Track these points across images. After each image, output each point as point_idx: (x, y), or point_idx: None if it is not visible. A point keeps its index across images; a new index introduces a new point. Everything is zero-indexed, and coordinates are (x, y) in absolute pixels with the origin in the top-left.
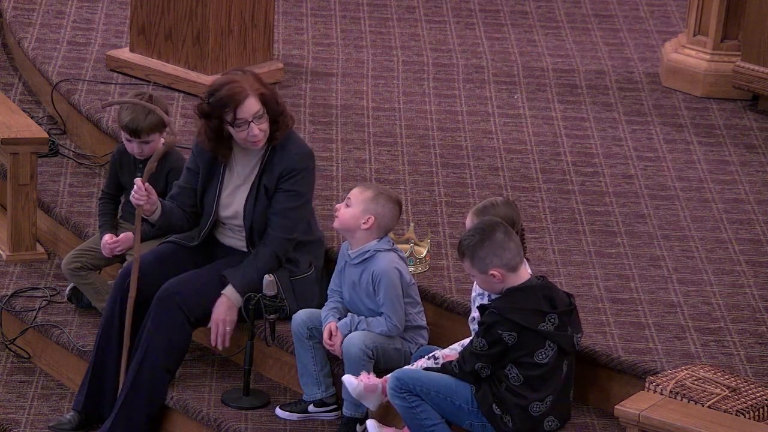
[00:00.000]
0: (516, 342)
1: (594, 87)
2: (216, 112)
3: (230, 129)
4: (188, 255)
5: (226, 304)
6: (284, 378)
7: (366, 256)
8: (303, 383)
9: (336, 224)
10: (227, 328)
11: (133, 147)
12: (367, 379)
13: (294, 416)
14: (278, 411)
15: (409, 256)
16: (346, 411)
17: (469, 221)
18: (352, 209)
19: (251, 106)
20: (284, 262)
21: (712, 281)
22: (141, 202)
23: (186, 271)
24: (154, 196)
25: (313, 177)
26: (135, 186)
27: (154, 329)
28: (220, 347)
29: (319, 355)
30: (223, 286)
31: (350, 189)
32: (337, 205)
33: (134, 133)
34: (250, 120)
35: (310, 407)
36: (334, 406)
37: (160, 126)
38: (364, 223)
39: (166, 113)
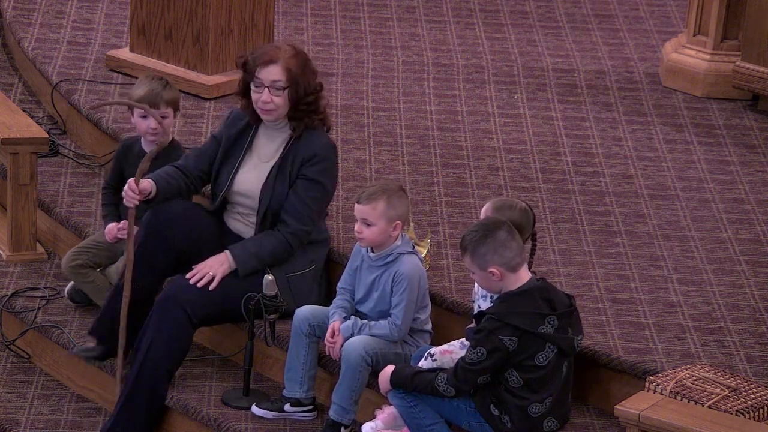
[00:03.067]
0: (517, 347)
1: (594, 87)
2: (247, 66)
3: (251, 87)
4: (210, 218)
5: (220, 259)
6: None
7: (389, 259)
8: (287, 378)
9: (364, 245)
10: (207, 277)
11: (149, 123)
12: (382, 414)
13: (270, 414)
14: (254, 408)
15: None
16: (333, 415)
17: (486, 210)
18: (377, 227)
19: (272, 72)
20: (295, 254)
21: (712, 281)
22: (132, 204)
23: (206, 232)
24: (145, 187)
25: (336, 174)
26: (126, 187)
27: (157, 329)
28: (196, 284)
29: (311, 355)
30: (227, 286)
31: (350, 189)
32: (357, 228)
33: (153, 101)
34: (266, 85)
35: (286, 406)
36: (311, 407)
37: (177, 102)
38: (393, 230)
39: (178, 101)
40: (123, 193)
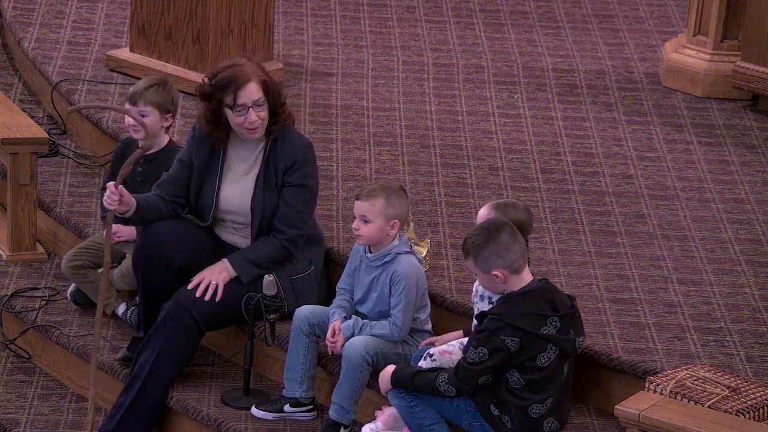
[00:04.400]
0: (518, 347)
1: (594, 87)
2: (216, 94)
3: (228, 113)
4: (204, 233)
5: (218, 268)
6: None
7: (386, 259)
8: (286, 377)
9: (362, 242)
10: (212, 287)
11: (128, 119)
12: (382, 415)
13: (269, 415)
14: (254, 410)
15: None
16: (333, 415)
17: (485, 212)
18: (375, 224)
19: (252, 91)
20: (294, 258)
21: (712, 281)
22: (113, 207)
23: (203, 247)
24: (127, 197)
25: (317, 169)
26: (108, 190)
27: (166, 337)
28: (205, 297)
29: (311, 355)
30: (233, 291)
31: (350, 189)
32: (355, 225)
33: (132, 98)
34: (249, 105)
35: (286, 407)
36: (310, 407)
37: (163, 105)
38: (391, 228)
39: (175, 101)
40: (104, 197)
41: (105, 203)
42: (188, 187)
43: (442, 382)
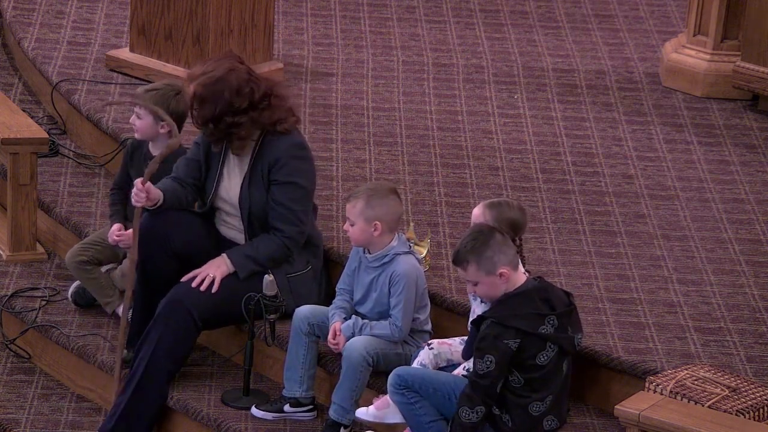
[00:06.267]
0: (518, 348)
1: (594, 87)
2: None
3: None
4: (204, 225)
5: (217, 263)
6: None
7: (385, 260)
8: (286, 377)
9: (353, 243)
10: (208, 279)
11: (132, 117)
12: (377, 401)
13: (269, 415)
14: (254, 410)
15: None
16: (334, 415)
17: (479, 211)
18: (357, 225)
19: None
20: (293, 256)
21: (712, 281)
22: (140, 204)
23: (202, 238)
24: (153, 193)
25: (310, 168)
26: (135, 188)
27: (162, 332)
28: (201, 288)
29: (311, 355)
30: (231, 288)
31: (350, 189)
32: (344, 226)
33: (134, 98)
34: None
35: (286, 407)
36: (310, 407)
37: (153, 112)
38: (374, 230)
39: (173, 111)
40: (132, 194)
41: (133, 200)
42: (202, 169)
43: (464, 412)
